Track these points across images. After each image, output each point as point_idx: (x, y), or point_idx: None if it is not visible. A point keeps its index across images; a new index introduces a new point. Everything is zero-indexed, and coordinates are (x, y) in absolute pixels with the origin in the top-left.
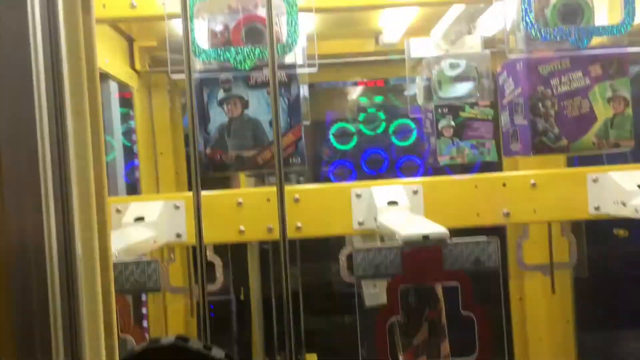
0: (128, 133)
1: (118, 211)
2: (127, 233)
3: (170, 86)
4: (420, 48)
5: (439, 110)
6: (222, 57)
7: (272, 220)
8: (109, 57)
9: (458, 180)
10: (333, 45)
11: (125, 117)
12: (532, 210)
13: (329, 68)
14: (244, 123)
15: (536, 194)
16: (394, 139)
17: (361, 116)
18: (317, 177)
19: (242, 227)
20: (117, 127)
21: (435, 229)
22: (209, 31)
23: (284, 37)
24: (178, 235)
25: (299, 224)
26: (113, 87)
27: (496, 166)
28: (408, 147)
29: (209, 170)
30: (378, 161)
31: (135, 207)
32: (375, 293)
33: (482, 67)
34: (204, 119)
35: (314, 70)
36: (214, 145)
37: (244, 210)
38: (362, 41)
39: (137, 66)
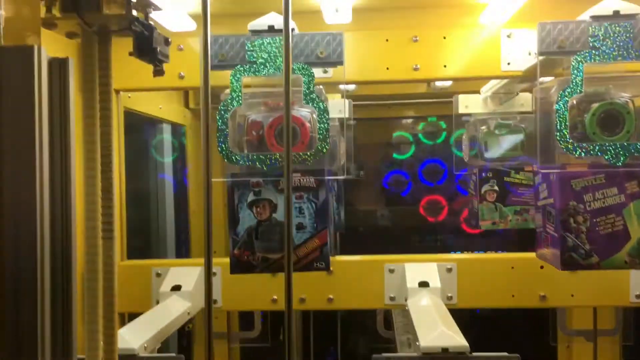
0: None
1: (158, 275)
2: (159, 311)
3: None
4: (468, 104)
5: (482, 174)
6: (254, 163)
7: (304, 291)
8: (164, 102)
9: (494, 259)
10: (386, 86)
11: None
12: (570, 294)
13: (381, 106)
14: (272, 226)
15: (575, 279)
16: (455, 150)
17: (420, 125)
18: (373, 187)
19: (275, 297)
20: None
21: (455, 341)
22: (245, 129)
23: (315, 141)
24: (214, 302)
25: (331, 296)
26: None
27: None
28: None
29: (235, 270)
30: (436, 172)
31: (174, 273)
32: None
33: (530, 129)
34: (234, 220)
35: (344, 176)
36: (241, 246)
37: (278, 280)
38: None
39: (191, 104)
